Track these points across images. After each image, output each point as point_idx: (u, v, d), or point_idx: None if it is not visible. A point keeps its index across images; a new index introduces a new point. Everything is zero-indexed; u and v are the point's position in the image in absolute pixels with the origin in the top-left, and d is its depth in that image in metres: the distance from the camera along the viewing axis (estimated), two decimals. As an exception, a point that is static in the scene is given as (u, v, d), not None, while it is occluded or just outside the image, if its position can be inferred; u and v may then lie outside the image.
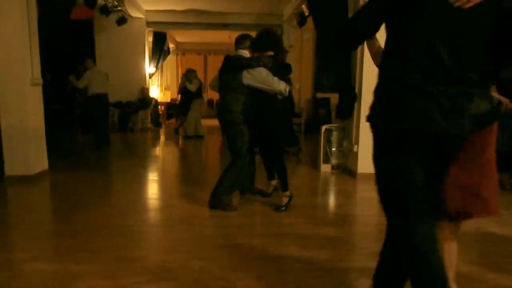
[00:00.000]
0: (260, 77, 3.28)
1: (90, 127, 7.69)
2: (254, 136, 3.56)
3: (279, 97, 3.43)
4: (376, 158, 1.56)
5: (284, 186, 3.63)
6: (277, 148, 3.68)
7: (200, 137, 8.83)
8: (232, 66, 3.41)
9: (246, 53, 3.45)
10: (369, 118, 1.53)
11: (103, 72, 7.05)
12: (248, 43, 3.48)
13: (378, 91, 1.51)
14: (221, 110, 3.58)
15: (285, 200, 3.62)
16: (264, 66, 3.28)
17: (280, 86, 3.32)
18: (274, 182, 3.95)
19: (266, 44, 3.41)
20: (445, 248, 1.90)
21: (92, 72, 6.74)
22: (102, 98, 6.88)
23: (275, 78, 3.30)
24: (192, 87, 8.46)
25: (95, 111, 6.94)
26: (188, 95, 8.57)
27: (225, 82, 3.46)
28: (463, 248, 2.80)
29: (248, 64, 3.31)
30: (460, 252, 2.68)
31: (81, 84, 6.67)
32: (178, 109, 9.76)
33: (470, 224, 3.27)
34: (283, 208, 3.58)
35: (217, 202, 3.54)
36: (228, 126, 3.53)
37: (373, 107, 1.52)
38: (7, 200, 4.02)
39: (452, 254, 1.95)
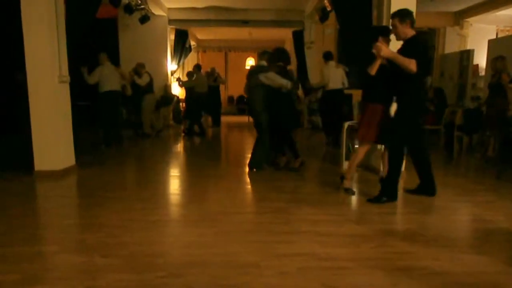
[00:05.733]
0: (268, 76, 4.81)
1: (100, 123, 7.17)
2: (272, 123, 4.99)
3: (284, 90, 4.83)
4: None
5: (295, 155, 5.13)
6: (284, 127, 5.08)
7: (159, 131, 8.71)
8: (254, 71, 5.05)
9: (264, 63, 5.06)
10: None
11: (116, 68, 6.86)
12: (266, 57, 5.12)
13: None
14: (249, 101, 5.25)
15: (297, 163, 5.09)
16: (272, 71, 4.85)
17: (282, 81, 4.77)
18: (299, 159, 5.14)
19: (278, 58, 5.02)
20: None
21: (103, 68, 6.55)
22: (113, 95, 6.70)
23: (278, 76, 4.79)
24: (142, 82, 8.00)
25: (105, 109, 6.71)
26: (137, 90, 7.96)
27: (250, 82, 5.03)
28: (493, 249, 2.72)
29: (263, 69, 4.93)
30: (490, 253, 2.61)
31: (91, 80, 6.45)
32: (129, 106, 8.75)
33: (501, 225, 3.18)
34: (296, 169, 5.04)
35: (254, 165, 5.08)
36: (254, 112, 5.07)
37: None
38: (36, 195, 4.16)
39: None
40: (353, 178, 4.21)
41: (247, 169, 5.18)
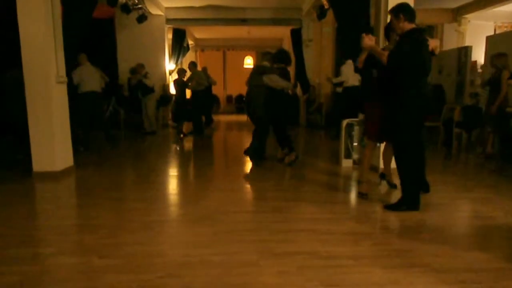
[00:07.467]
0: (272, 79, 5.08)
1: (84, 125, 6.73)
2: (268, 118, 5.27)
3: (285, 91, 5.22)
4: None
5: (290, 149, 5.31)
6: (282, 124, 5.38)
7: (153, 132, 8.71)
8: (256, 72, 5.29)
9: (267, 64, 5.34)
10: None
11: (96, 69, 6.75)
12: (268, 57, 5.41)
13: None
14: (250, 101, 5.37)
15: (292, 157, 5.25)
16: (275, 73, 5.12)
17: (283, 84, 5.14)
18: (294, 153, 5.32)
19: (280, 59, 5.31)
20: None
21: (83, 69, 6.45)
22: (92, 96, 6.56)
23: (281, 79, 5.10)
24: (150, 82, 8.40)
25: (83, 110, 6.46)
26: (144, 90, 8.39)
27: (253, 82, 5.24)
28: (493, 245, 2.72)
29: (266, 70, 5.18)
30: (490, 250, 2.60)
31: (74, 81, 6.26)
32: (130, 106, 8.98)
33: (500, 221, 3.17)
34: (291, 163, 5.22)
35: (249, 155, 5.32)
36: (255, 109, 5.28)
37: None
38: (34, 196, 4.14)
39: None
40: (369, 181, 4.03)
41: (245, 168, 5.17)
